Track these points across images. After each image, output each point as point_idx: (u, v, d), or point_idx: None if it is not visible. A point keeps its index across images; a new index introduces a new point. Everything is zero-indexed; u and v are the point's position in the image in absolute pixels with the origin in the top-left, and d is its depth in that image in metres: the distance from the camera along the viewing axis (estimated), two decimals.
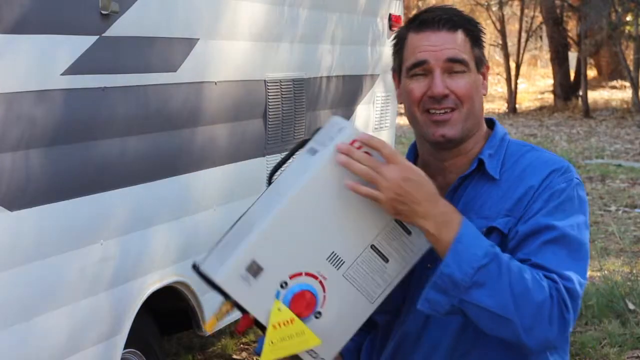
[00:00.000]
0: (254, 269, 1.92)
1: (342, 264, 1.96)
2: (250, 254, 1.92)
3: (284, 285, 1.94)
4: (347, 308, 1.99)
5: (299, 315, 1.94)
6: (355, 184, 1.93)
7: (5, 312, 2.96)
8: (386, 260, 2.00)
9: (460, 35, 2.10)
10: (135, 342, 3.72)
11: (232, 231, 2.02)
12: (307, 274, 1.95)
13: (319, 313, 1.97)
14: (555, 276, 1.97)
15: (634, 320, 5.70)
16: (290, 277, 1.94)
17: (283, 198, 1.95)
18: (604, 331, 5.60)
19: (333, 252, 1.96)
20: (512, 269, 1.95)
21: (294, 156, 2.10)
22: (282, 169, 2.09)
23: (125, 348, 3.59)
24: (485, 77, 2.18)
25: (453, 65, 2.09)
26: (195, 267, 1.99)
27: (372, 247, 1.99)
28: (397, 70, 2.18)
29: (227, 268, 1.92)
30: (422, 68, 2.10)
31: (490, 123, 2.23)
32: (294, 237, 1.94)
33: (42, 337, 3.13)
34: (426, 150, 2.19)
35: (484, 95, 2.17)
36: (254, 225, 1.95)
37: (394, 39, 2.19)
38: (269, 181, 2.09)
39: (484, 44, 2.18)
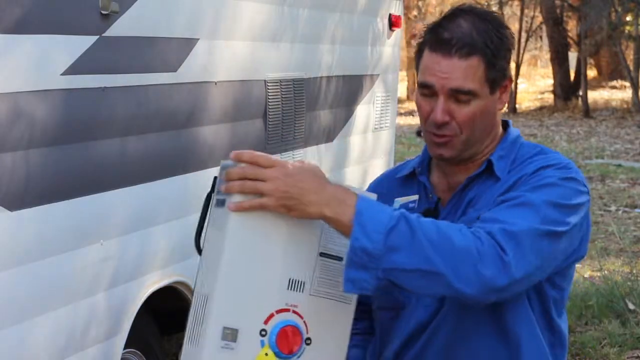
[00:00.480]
0: (230, 335, 1.92)
1: (304, 285, 1.96)
2: (219, 324, 1.92)
3: (263, 333, 1.93)
4: (330, 320, 1.99)
5: (291, 352, 1.94)
6: (236, 203, 1.90)
7: (5, 312, 2.96)
8: (340, 259, 1.98)
9: (473, 62, 2.07)
10: (135, 342, 3.72)
11: (192, 313, 2.00)
12: (278, 311, 1.94)
13: (309, 339, 1.97)
14: (498, 225, 1.92)
15: (634, 320, 5.70)
16: (265, 322, 1.94)
17: (219, 263, 1.93)
18: (604, 331, 5.60)
19: (290, 279, 1.95)
20: (423, 223, 1.90)
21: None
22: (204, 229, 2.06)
23: (125, 348, 3.59)
24: (505, 91, 2.15)
25: (458, 95, 2.08)
26: None
27: (321, 254, 1.98)
28: (417, 71, 2.18)
29: (206, 347, 1.92)
30: (429, 90, 2.10)
31: (505, 124, 2.23)
32: (248, 288, 1.93)
33: (42, 337, 3.13)
34: None
35: (501, 108, 2.16)
36: (207, 296, 1.94)
37: (416, 44, 2.18)
38: (197, 247, 2.07)
39: (507, 56, 2.12)
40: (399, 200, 2.17)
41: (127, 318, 3.55)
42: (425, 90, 2.11)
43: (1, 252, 2.92)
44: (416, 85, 2.16)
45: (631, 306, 5.88)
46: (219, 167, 2.04)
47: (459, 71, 2.06)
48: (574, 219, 2.05)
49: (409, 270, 1.89)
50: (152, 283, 3.70)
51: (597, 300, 6.00)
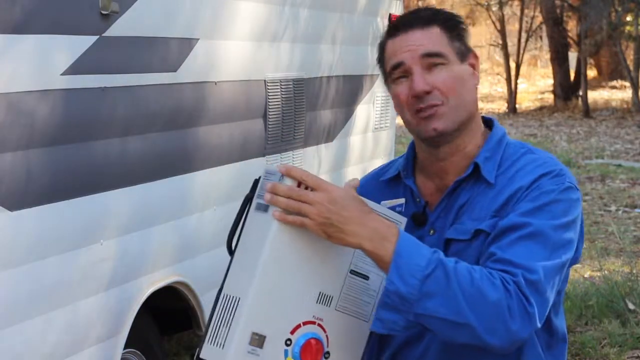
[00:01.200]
0: (258, 341, 1.93)
1: (331, 299, 1.98)
2: (248, 329, 1.93)
3: (288, 342, 1.95)
4: (349, 336, 2.02)
5: None
6: (282, 214, 1.92)
7: (5, 312, 2.96)
8: (366, 277, 2.02)
9: (434, 30, 2.11)
10: (135, 342, 3.72)
11: (217, 313, 2.00)
12: (304, 323, 1.96)
13: (327, 353, 1.99)
14: (515, 269, 1.94)
15: (634, 320, 5.70)
16: (291, 332, 1.95)
17: (255, 267, 1.94)
18: (604, 331, 5.60)
19: (319, 292, 1.97)
20: (459, 272, 1.91)
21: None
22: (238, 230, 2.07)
23: (125, 348, 3.59)
24: (475, 67, 2.16)
25: (430, 59, 2.08)
26: (198, 358, 1.99)
27: (351, 272, 2.01)
28: (385, 79, 2.18)
29: (233, 351, 1.93)
30: (401, 70, 2.10)
31: (489, 123, 2.21)
32: (280, 296, 1.94)
33: (42, 337, 3.13)
34: (423, 151, 2.19)
35: (477, 85, 2.16)
36: (239, 300, 1.95)
37: (377, 50, 2.19)
38: (229, 248, 2.07)
39: (465, 35, 2.16)
40: (387, 203, 2.15)
41: (127, 318, 3.55)
42: (398, 72, 2.10)
43: (1, 252, 2.92)
44: (387, 80, 2.16)
45: (631, 306, 5.88)
46: (257, 169, 2.04)
47: (424, 38, 2.09)
48: (575, 233, 2.08)
49: (440, 318, 1.91)
50: (152, 283, 3.71)
51: (597, 300, 6.00)
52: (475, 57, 2.17)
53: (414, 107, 2.09)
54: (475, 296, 1.90)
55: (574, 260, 2.13)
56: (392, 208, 2.15)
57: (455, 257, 1.99)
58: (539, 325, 1.96)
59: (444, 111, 2.09)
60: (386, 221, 1.96)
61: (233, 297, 1.95)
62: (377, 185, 2.27)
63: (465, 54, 2.14)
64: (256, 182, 2.03)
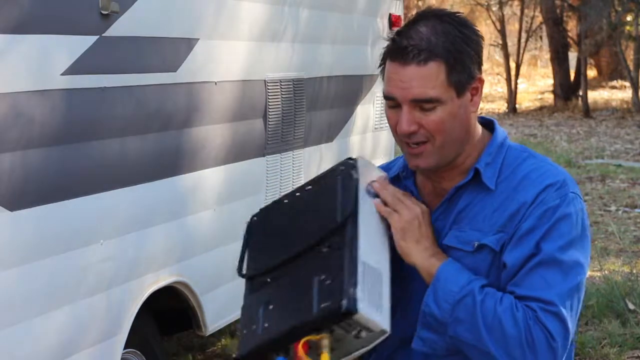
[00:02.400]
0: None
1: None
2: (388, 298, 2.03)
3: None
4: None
5: None
6: (380, 204, 2.09)
7: (5, 312, 2.96)
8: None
9: (432, 68, 2.01)
10: (135, 342, 3.72)
11: (360, 282, 1.98)
12: None
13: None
14: (536, 304, 1.98)
15: (634, 320, 5.70)
16: None
17: (385, 248, 2.09)
18: (604, 331, 5.60)
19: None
20: (486, 302, 1.99)
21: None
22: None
23: (125, 348, 3.59)
24: (476, 93, 2.09)
25: (421, 104, 2.03)
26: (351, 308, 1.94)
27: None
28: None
29: (387, 315, 2.01)
30: (393, 102, 2.07)
31: (491, 126, 2.19)
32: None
33: (41, 337, 3.13)
34: None
35: (474, 110, 2.10)
36: (381, 275, 2.03)
37: (380, 58, 2.14)
38: (240, 271, 2.15)
39: (473, 56, 2.06)
40: None
41: (127, 318, 3.55)
42: (390, 102, 2.08)
43: (1, 252, 2.92)
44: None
45: (631, 306, 5.88)
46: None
47: (418, 79, 2.01)
48: (588, 242, 2.09)
49: (469, 344, 2.01)
50: (152, 283, 3.70)
51: (597, 300, 6.00)
52: (480, 81, 2.09)
53: (401, 138, 2.09)
54: (495, 327, 1.98)
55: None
56: None
57: None
58: (563, 355, 2.01)
59: (429, 150, 2.07)
60: (439, 250, 2.08)
61: (375, 268, 2.01)
62: None
63: (466, 84, 2.06)
64: (353, 163, 2.11)
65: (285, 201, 2.18)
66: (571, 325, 2.02)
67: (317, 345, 1.93)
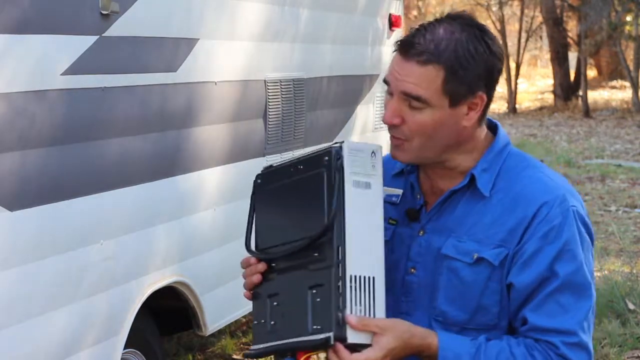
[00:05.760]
0: None
1: None
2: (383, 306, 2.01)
3: None
4: None
5: None
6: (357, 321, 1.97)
7: (5, 312, 2.96)
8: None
9: (431, 71, 1.99)
10: (135, 342, 3.72)
11: (350, 296, 1.96)
12: None
13: None
14: (554, 338, 1.99)
15: (634, 320, 5.70)
16: None
17: (379, 245, 2.01)
18: (604, 331, 5.60)
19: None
20: None
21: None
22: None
23: (125, 348, 3.59)
24: (475, 108, 2.04)
25: (410, 99, 2.02)
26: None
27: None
28: None
29: None
30: (388, 88, 2.07)
31: (494, 128, 2.16)
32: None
33: (41, 337, 3.13)
34: None
35: (466, 125, 2.05)
36: (373, 279, 1.97)
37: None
38: (248, 246, 2.13)
39: (483, 73, 2.02)
40: (385, 190, 2.14)
41: (127, 318, 3.55)
42: (387, 88, 2.08)
43: (1, 252, 2.92)
44: None
45: (631, 306, 5.88)
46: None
47: (413, 76, 2.00)
48: (592, 259, 2.09)
49: None
50: (152, 283, 3.70)
51: (597, 300, 5.98)
52: (482, 98, 2.04)
53: (387, 127, 2.10)
54: None
55: None
56: (389, 197, 2.16)
57: (450, 274, 2.06)
58: None
59: (407, 147, 2.06)
60: (425, 335, 2.02)
61: (366, 277, 1.95)
62: (387, 170, 2.25)
63: (462, 97, 2.02)
64: (338, 154, 2.00)
65: (282, 169, 2.15)
66: (591, 345, 2.05)
67: (318, 356, 1.97)
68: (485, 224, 2.07)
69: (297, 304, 2.01)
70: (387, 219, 2.12)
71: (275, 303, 2.08)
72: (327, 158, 1.99)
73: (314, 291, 1.97)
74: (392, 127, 2.06)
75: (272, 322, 2.08)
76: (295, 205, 2.09)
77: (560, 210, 2.03)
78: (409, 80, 2.01)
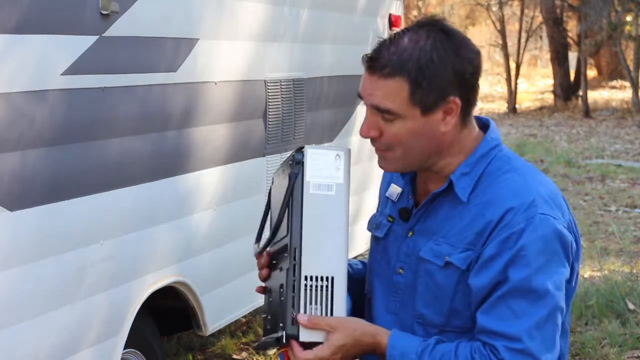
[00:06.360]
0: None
1: None
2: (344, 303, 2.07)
3: None
4: None
5: None
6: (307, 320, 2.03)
7: (5, 312, 2.96)
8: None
9: (394, 84, 1.99)
10: (135, 342, 3.72)
11: (304, 296, 2.03)
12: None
13: None
14: (496, 341, 1.96)
15: (634, 320, 5.70)
16: None
17: (342, 246, 2.06)
18: (604, 331, 5.60)
19: None
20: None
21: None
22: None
23: (125, 348, 3.59)
24: (451, 113, 2.02)
25: (381, 113, 2.03)
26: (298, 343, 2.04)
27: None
28: None
29: None
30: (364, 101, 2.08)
31: (485, 127, 2.14)
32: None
33: (41, 337, 3.13)
34: None
35: (446, 130, 2.04)
36: (332, 279, 2.03)
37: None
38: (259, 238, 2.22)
39: (452, 78, 2.00)
40: (391, 187, 2.24)
41: (127, 318, 3.56)
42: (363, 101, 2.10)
43: (1, 252, 2.92)
44: None
45: (631, 306, 5.88)
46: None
47: (380, 90, 2.01)
48: (561, 265, 2.02)
49: None
50: (152, 283, 3.71)
51: (597, 300, 6.00)
52: (456, 102, 2.02)
53: None
54: None
55: (574, 286, 2.11)
56: (390, 195, 2.22)
57: (427, 277, 2.07)
58: None
59: (391, 157, 2.07)
60: (376, 333, 2.05)
61: (323, 277, 2.01)
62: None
63: (434, 104, 2.01)
64: (299, 161, 2.06)
65: (280, 169, 2.21)
66: (545, 354, 1.98)
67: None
68: (460, 227, 2.06)
69: (276, 302, 2.12)
70: (386, 216, 2.21)
71: (270, 299, 2.21)
72: (291, 162, 2.09)
73: (281, 290, 2.07)
74: (372, 140, 2.07)
75: (269, 317, 2.19)
76: (276, 206, 2.17)
77: (524, 217, 1.99)
78: (376, 94, 2.02)
